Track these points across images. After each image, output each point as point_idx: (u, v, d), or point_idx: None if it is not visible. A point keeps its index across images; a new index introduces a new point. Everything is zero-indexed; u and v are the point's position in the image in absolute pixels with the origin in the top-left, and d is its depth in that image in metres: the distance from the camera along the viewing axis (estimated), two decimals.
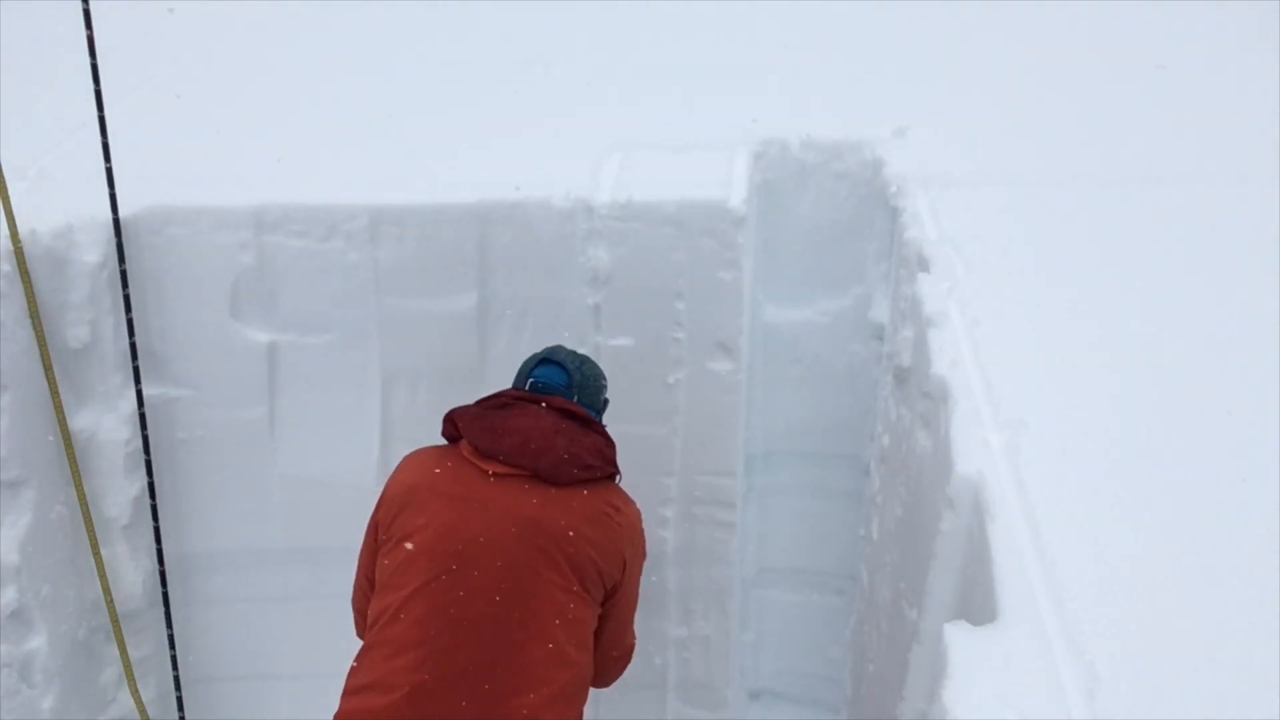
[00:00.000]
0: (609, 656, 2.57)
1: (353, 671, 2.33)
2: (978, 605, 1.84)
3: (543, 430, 2.42)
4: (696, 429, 3.18)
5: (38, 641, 2.95)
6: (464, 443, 2.47)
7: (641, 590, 3.34)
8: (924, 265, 2.69)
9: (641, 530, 2.55)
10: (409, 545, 2.36)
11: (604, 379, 2.71)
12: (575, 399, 2.56)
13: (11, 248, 2.81)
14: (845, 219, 3.29)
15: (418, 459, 2.53)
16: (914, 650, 2.14)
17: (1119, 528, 1.84)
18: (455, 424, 2.50)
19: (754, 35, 4.39)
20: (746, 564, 3.54)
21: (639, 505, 2.61)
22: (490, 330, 3.15)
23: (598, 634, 2.48)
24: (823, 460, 3.48)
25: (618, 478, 2.57)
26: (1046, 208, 2.95)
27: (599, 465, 2.44)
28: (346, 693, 2.30)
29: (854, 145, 3.26)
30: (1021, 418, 2.08)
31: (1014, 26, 4.35)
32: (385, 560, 2.41)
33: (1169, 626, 1.65)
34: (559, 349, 2.70)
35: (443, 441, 2.57)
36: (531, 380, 2.60)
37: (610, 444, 2.52)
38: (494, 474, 2.39)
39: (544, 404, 2.49)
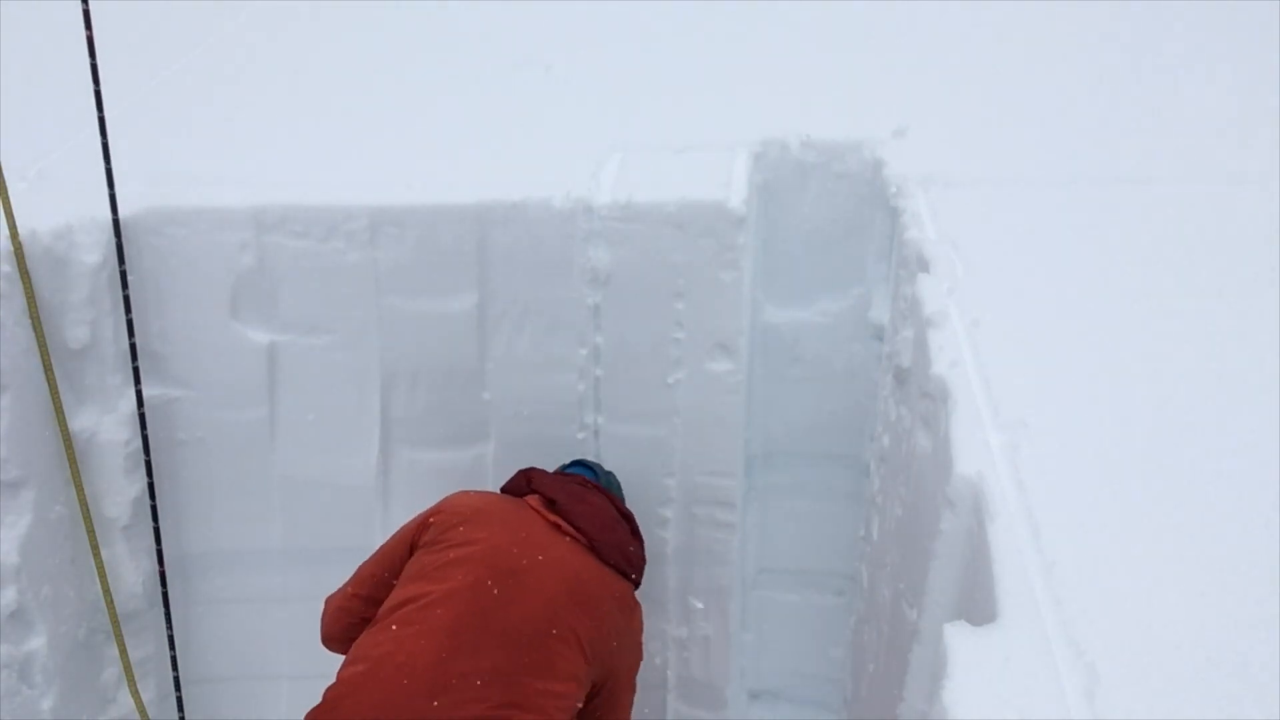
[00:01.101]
0: None
1: (366, 642, 2.34)
2: (978, 605, 1.84)
3: (610, 515, 2.72)
4: (696, 429, 3.18)
5: (38, 642, 2.95)
6: (534, 497, 2.69)
7: (641, 590, 3.36)
8: (924, 265, 2.69)
9: (642, 641, 2.78)
10: (466, 549, 2.45)
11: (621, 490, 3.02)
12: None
13: (11, 248, 2.81)
14: (845, 219, 3.29)
15: (483, 493, 2.76)
16: (914, 650, 2.14)
17: (1119, 527, 1.84)
18: (530, 480, 2.78)
19: (754, 35, 4.39)
20: (746, 564, 3.54)
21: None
22: (490, 330, 3.15)
23: None
24: (823, 460, 3.47)
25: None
26: (1046, 208, 2.95)
27: (634, 567, 2.73)
28: (358, 659, 2.29)
29: (854, 145, 3.26)
30: (1021, 418, 2.08)
31: (1014, 26, 4.35)
32: (427, 557, 2.48)
33: (1169, 626, 1.65)
34: (584, 459, 3.06)
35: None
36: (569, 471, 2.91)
37: (644, 559, 2.82)
38: (559, 529, 2.62)
39: (610, 498, 2.80)
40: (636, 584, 2.76)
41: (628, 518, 2.82)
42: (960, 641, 1.68)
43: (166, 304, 3.09)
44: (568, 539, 2.61)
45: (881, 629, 2.69)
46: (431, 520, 2.59)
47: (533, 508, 2.66)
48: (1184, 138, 3.36)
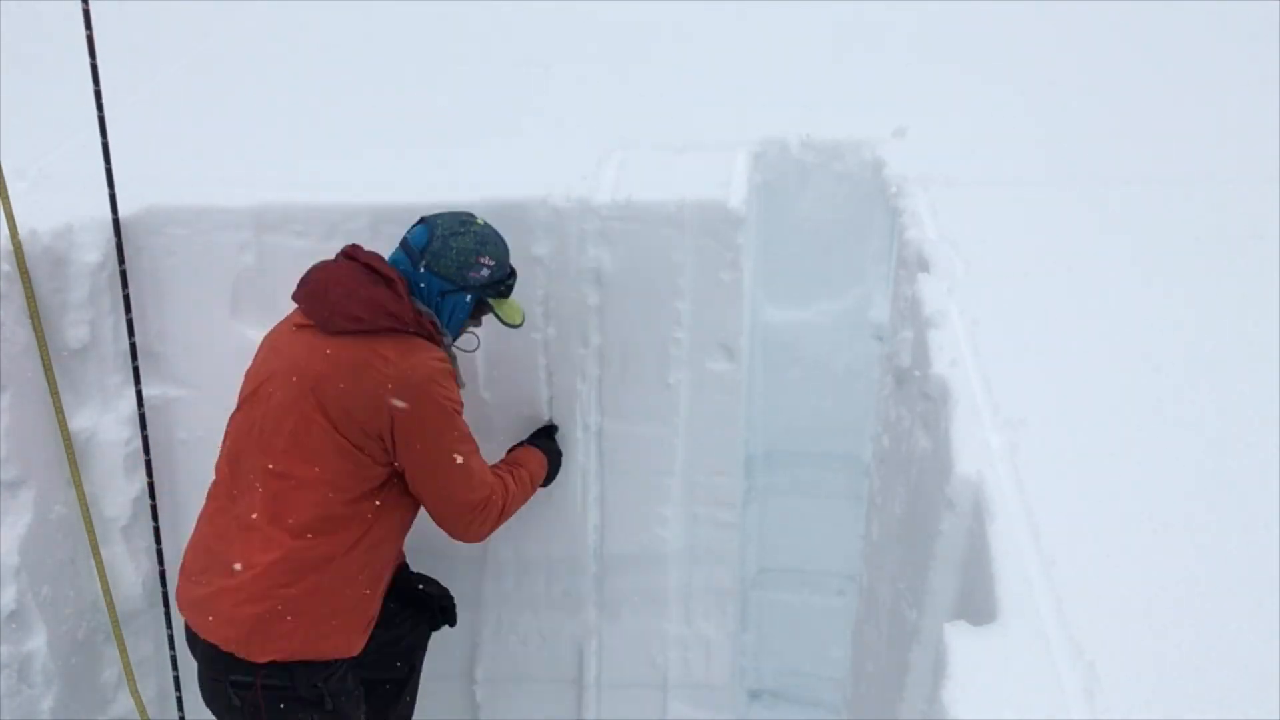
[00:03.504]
0: (444, 515, 2.70)
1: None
2: (978, 605, 1.84)
3: (326, 281, 2.58)
4: (697, 429, 3.18)
5: (38, 641, 2.95)
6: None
7: (641, 590, 3.35)
8: (924, 265, 2.69)
9: (425, 386, 2.53)
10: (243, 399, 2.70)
11: (482, 255, 2.67)
12: (423, 265, 2.63)
13: (11, 248, 2.81)
14: (845, 219, 3.29)
15: (277, 328, 2.75)
16: (914, 650, 2.14)
17: (1119, 527, 1.84)
18: None
19: (754, 35, 4.39)
20: (747, 564, 3.54)
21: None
22: (490, 330, 3.14)
23: (416, 491, 2.65)
24: (823, 460, 3.47)
25: (448, 351, 2.64)
26: (1046, 208, 2.95)
27: (371, 318, 2.51)
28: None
29: (854, 145, 3.26)
30: (1021, 418, 2.08)
31: (1014, 26, 4.35)
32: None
33: (1169, 626, 1.65)
34: (449, 215, 2.72)
35: None
36: (403, 236, 2.71)
37: (401, 301, 2.55)
38: (296, 325, 2.61)
39: (356, 259, 2.61)
40: (403, 327, 2.54)
41: (372, 269, 2.57)
42: (960, 641, 1.68)
43: (166, 304, 3.09)
44: (306, 330, 2.57)
45: (881, 629, 2.69)
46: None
47: (291, 317, 2.66)
48: (1184, 138, 3.36)
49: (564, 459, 3.20)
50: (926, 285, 2.59)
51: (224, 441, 2.69)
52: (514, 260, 3.05)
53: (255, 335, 3.12)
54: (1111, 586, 1.72)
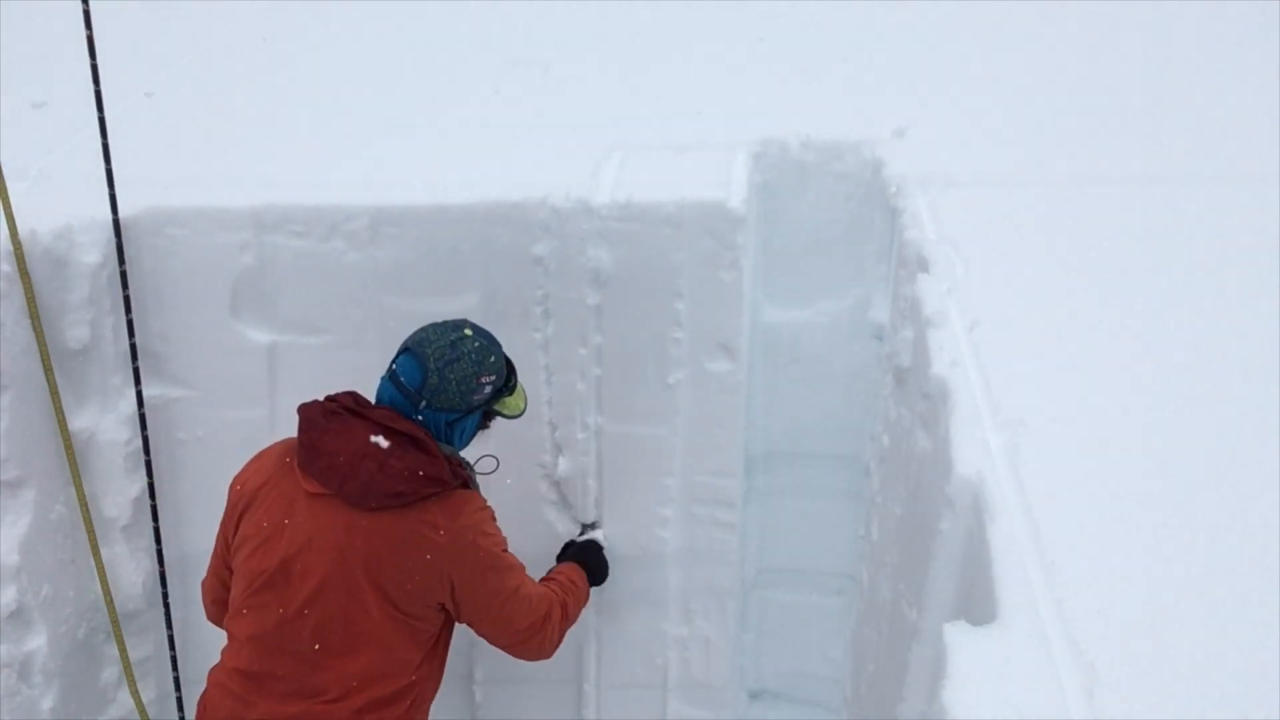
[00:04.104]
0: (510, 643, 2.68)
1: (223, 650, 2.55)
2: (978, 605, 1.84)
3: (352, 453, 2.38)
4: (696, 429, 3.18)
5: (38, 641, 2.95)
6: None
7: (641, 590, 3.35)
8: (924, 265, 2.69)
9: (477, 540, 2.49)
10: (241, 554, 2.49)
11: (481, 376, 2.53)
12: (423, 404, 2.48)
13: (11, 248, 2.81)
14: (845, 219, 3.29)
15: (262, 461, 2.59)
16: (914, 650, 2.14)
17: (1119, 528, 1.84)
18: (301, 421, 2.51)
19: (754, 35, 4.39)
20: (746, 564, 3.54)
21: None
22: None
23: (475, 627, 2.61)
24: (823, 460, 3.47)
25: (473, 483, 2.59)
26: (1046, 208, 2.95)
27: (412, 489, 2.39)
28: (214, 669, 2.56)
29: (854, 145, 3.26)
30: (1021, 418, 2.08)
31: (1014, 26, 4.35)
32: (235, 559, 2.53)
33: (1169, 626, 1.65)
34: (436, 337, 2.52)
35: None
36: (390, 369, 2.53)
37: (435, 460, 2.42)
38: (310, 493, 2.42)
39: (367, 418, 2.44)
40: (445, 488, 2.44)
41: (396, 431, 2.41)
42: (960, 641, 1.68)
43: (166, 304, 3.09)
44: (324, 500, 2.40)
45: (881, 629, 2.69)
46: (226, 512, 2.58)
47: (294, 468, 2.46)
48: (1184, 138, 3.36)
49: (563, 458, 3.22)
50: (926, 285, 2.59)
51: (234, 619, 2.52)
52: (514, 260, 3.07)
53: (255, 335, 3.13)
54: (1111, 586, 1.72)
